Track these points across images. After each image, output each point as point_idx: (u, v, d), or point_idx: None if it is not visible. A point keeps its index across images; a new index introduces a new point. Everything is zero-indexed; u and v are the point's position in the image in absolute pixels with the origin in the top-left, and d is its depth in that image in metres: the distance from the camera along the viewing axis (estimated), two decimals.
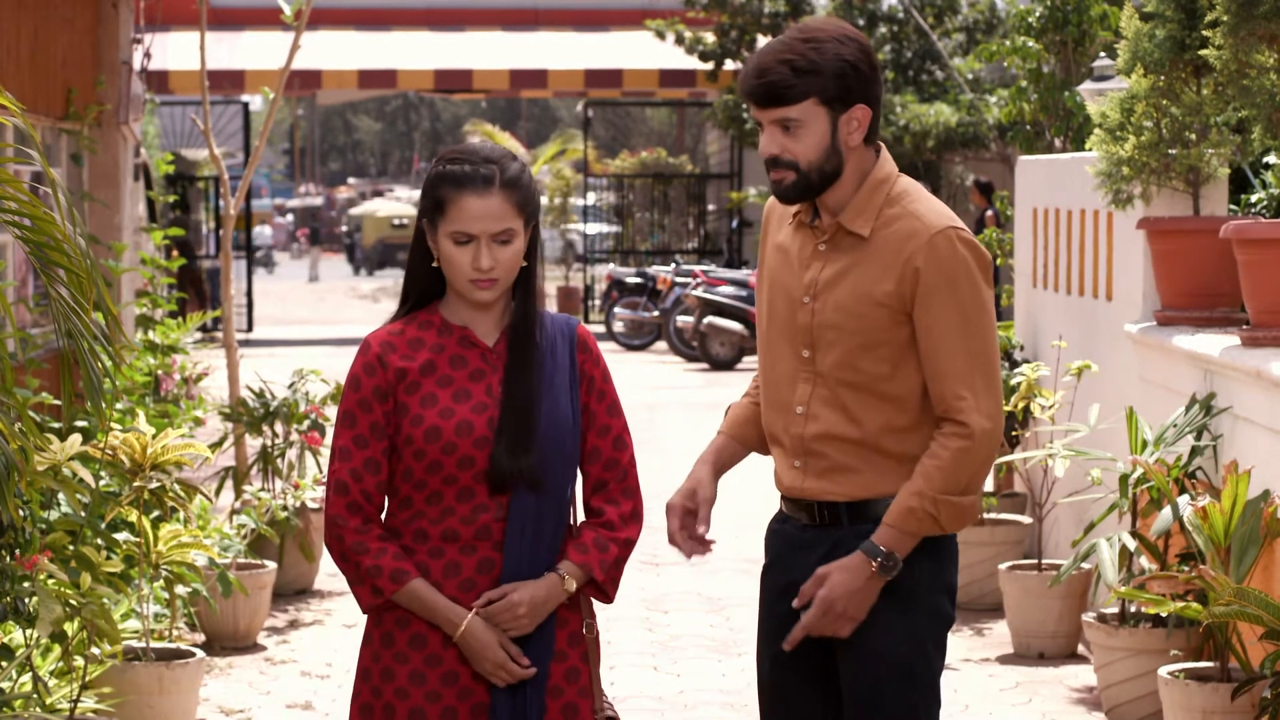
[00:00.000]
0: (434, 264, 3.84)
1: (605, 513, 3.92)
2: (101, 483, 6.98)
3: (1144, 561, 7.07)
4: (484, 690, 3.82)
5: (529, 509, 3.80)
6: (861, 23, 23.47)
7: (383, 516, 3.87)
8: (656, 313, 24.42)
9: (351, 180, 73.81)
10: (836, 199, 4.12)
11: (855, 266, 4.08)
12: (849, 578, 4.05)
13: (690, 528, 4.27)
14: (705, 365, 22.14)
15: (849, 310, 4.07)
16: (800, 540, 4.16)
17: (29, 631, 5.93)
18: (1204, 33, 7.27)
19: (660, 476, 12.22)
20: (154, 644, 6.98)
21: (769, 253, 4.27)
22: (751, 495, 12.33)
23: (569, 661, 3.89)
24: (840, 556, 4.08)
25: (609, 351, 24.21)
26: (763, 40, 24.93)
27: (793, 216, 4.21)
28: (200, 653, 7.02)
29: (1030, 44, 12.10)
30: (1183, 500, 6.70)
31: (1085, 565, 7.82)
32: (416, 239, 3.87)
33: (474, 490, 3.79)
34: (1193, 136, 7.66)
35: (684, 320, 22.66)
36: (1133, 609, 7.16)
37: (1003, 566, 8.46)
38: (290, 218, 63.91)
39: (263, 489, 9.20)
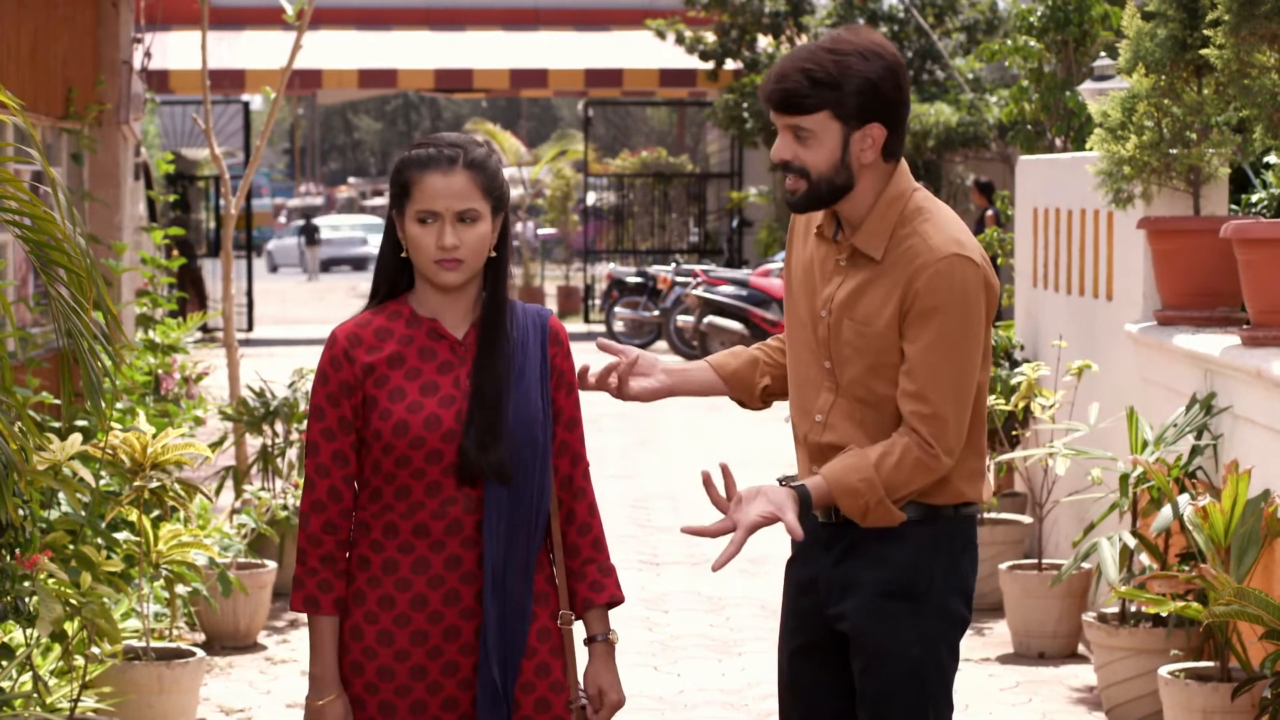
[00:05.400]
0: (403, 254, 3.84)
1: (592, 527, 3.96)
2: (101, 482, 6.98)
3: (1144, 560, 7.07)
4: (454, 685, 3.82)
5: (503, 503, 3.79)
6: (861, 22, 23.47)
7: (354, 508, 3.87)
8: (657, 312, 24.40)
9: (352, 180, 73.69)
10: (854, 214, 4.09)
11: (868, 288, 4.07)
12: (774, 495, 4.02)
13: (629, 364, 4.28)
14: None
15: (862, 332, 4.07)
16: (819, 536, 4.16)
17: (29, 631, 5.92)
18: (1205, 32, 7.27)
19: (660, 477, 11.98)
20: (154, 643, 6.98)
21: (794, 262, 4.26)
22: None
23: (539, 657, 3.88)
24: (856, 556, 4.10)
25: None
26: (763, 40, 24.95)
27: (816, 229, 4.19)
28: (200, 652, 7.02)
29: (1031, 43, 12.11)
30: (1183, 500, 6.69)
31: (1085, 565, 7.81)
32: (387, 231, 3.88)
33: (441, 484, 3.79)
34: (1193, 136, 7.66)
35: (684, 320, 22.64)
36: (1133, 609, 7.16)
37: (1003, 566, 8.46)
38: (302, 222, 60.65)
39: (263, 488, 9.19)
